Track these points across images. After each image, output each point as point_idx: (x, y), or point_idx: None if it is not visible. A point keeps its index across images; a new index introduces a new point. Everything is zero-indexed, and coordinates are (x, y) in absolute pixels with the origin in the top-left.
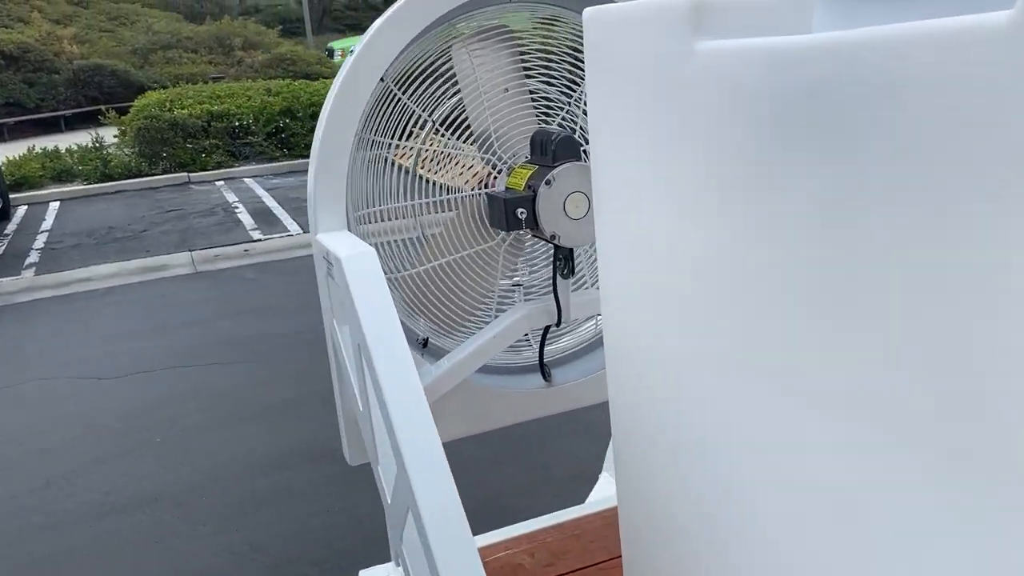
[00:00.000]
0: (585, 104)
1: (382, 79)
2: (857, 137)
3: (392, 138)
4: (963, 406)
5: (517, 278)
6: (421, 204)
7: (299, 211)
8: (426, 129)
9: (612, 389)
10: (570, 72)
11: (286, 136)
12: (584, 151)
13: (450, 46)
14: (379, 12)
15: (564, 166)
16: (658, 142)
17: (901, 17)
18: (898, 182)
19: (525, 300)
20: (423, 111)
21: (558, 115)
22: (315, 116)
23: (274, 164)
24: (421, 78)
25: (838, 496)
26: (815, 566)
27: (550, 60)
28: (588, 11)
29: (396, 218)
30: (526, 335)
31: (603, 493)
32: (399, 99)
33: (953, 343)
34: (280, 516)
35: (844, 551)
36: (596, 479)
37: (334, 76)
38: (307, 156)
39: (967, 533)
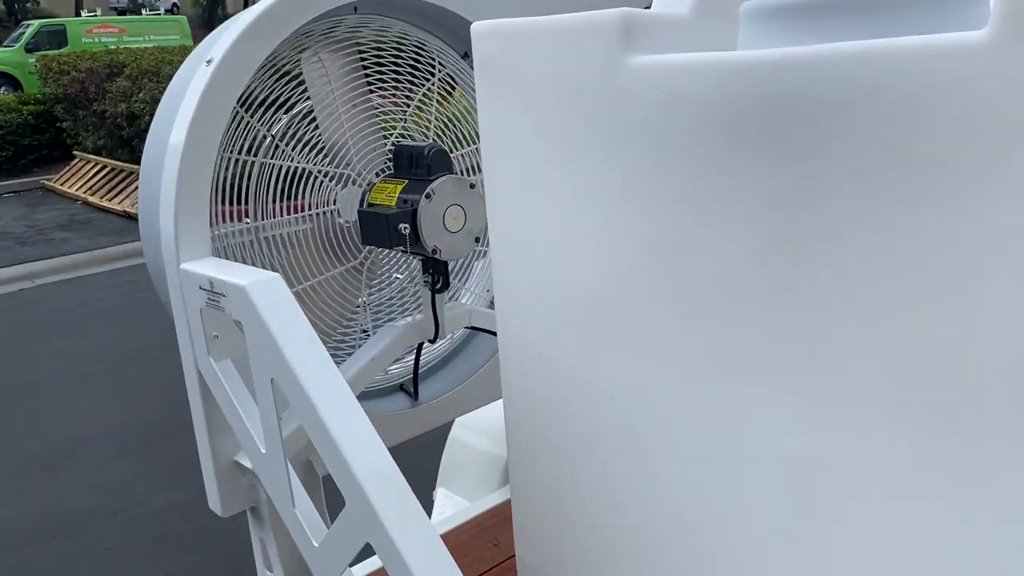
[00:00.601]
0: (419, 114)
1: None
2: (818, 142)
3: (241, 153)
4: (906, 374)
5: (361, 299)
6: (284, 222)
7: None
8: (265, 144)
9: (508, 393)
10: (395, 82)
11: None
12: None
13: (298, 58)
14: None
15: (441, 179)
16: (579, 150)
17: (823, 37)
18: (853, 183)
19: (374, 321)
20: (263, 127)
21: (396, 128)
22: None
23: None
24: (260, 91)
25: (784, 469)
26: (742, 542)
27: (382, 72)
28: (478, 25)
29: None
30: None
31: (448, 510)
32: (239, 114)
33: (896, 323)
34: None
35: (781, 522)
36: None
37: None
38: None
39: (917, 493)
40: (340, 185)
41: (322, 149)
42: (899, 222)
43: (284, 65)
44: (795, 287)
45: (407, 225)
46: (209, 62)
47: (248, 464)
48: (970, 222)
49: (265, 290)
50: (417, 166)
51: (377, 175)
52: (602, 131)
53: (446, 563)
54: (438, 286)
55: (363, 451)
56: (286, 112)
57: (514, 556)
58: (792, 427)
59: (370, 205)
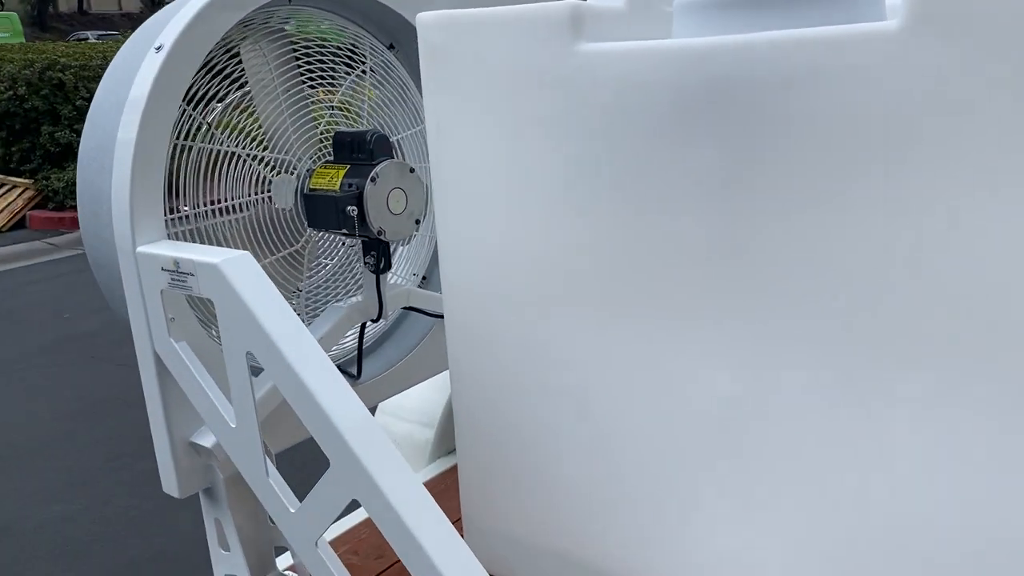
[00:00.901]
0: (347, 104)
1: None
2: (757, 122)
3: (180, 139)
4: (831, 323)
5: (302, 284)
6: (220, 210)
7: None
8: (201, 131)
9: (455, 363)
10: (320, 72)
11: None
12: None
13: (238, 46)
14: None
15: (384, 163)
16: (529, 131)
17: (752, 27)
18: (788, 157)
19: (307, 306)
20: (199, 115)
21: (324, 117)
22: None
23: None
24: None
25: (720, 414)
26: (683, 487)
27: (310, 61)
28: (424, 16)
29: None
30: None
31: None
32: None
33: (830, 281)
34: None
35: (719, 466)
36: None
37: None
38: None
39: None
40: (275, 172)
41: (264, 134)
42: (824, 192)
43: (233, 47)
44: (735, 246)
45: (354, 208)
46: (159, 48)
47: (206, 444)
48: (885, 191)
49: (237, 266)
50: (359, 151)
51: (314, 162)
52: (552, 113)
53: (434, 511)
54: (381, 267)
55: (347, 409)
56: (239, 89)
57: (456, 521)
58: (726, 374)
59: (311, 190)
